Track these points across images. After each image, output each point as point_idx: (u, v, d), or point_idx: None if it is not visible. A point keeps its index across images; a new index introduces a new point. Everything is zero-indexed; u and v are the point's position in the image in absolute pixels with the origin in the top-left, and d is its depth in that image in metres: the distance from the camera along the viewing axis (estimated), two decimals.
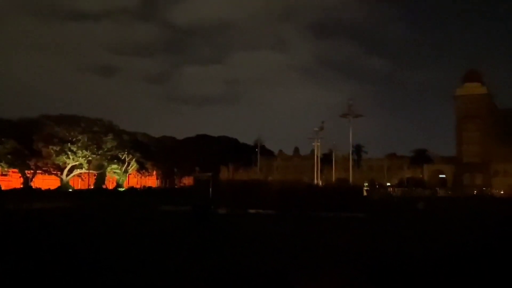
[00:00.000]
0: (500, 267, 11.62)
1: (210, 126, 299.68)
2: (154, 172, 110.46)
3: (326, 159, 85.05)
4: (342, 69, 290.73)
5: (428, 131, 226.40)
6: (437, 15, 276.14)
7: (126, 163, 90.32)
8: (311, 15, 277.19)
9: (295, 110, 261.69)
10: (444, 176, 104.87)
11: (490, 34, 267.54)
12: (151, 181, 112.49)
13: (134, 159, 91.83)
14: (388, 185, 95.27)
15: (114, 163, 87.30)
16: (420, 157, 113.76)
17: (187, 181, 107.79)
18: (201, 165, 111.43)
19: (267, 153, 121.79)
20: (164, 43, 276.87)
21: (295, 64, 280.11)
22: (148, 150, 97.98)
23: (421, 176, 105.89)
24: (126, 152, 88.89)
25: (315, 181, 63.48)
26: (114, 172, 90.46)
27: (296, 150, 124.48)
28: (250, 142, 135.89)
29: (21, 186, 76.01)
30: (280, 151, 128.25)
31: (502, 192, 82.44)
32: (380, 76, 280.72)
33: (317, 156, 68.40)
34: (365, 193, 54.66)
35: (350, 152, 65.30)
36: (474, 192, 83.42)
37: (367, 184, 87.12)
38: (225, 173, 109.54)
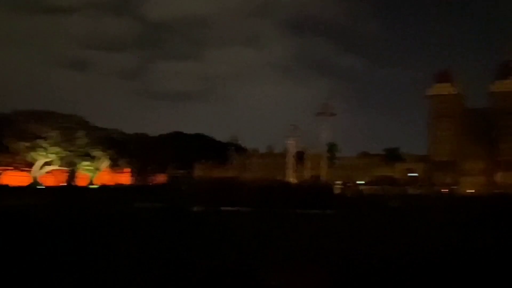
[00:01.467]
0: (481, 265, 11.97)
1: (185, 122, 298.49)
2: (128, 169, 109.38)
3: (300, 157, 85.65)
4: (317, 66, 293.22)
5: (401, 129, 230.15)
6: (412, 14, 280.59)
7: (99, 160, 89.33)
8: (286, 12, 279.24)
9: (271, 107, 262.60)
10: (415, 174, 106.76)
11: (463, 34, 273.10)
12: (124, 178, 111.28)
13: (107, 156, 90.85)
14: (361, 183, 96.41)
15: (86, 160, 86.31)
16: (392, 156, 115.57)
17: (161, 178, 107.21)
18: (176, 162, 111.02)
19: (242, 151, 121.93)
20: (138, 38, 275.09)
21: (271, 60, 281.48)
22: (121, 147, 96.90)
23: (392, 174, 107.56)
24: (98, 149, 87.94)
25: (289, 179, 63.98)
26: (87, 169, 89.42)
27: (270, 148, 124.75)
28: (225, 139, 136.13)
29: None
30: (254, 149, 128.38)
31: (471, 191, 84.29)
32: (355, 74, 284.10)
33: (290, 154, 68.94)
34: (339, 191, 55.37)
35: (324, 150, 65.94)
36: (444, 190, 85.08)
37: (340, 182, 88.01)
38: (199, 171, 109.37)
